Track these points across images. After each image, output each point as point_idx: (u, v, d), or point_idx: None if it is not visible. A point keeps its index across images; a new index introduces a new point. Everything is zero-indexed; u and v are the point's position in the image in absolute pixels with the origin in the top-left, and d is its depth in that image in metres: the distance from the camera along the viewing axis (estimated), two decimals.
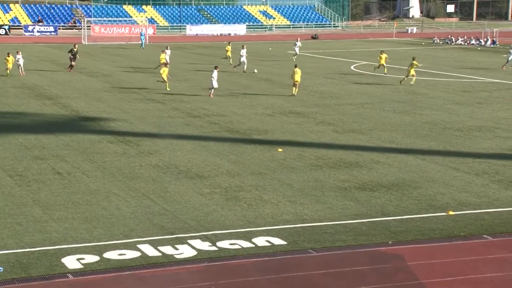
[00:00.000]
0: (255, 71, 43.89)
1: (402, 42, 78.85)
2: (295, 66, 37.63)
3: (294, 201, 18.76)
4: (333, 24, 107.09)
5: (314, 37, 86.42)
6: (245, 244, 15.58)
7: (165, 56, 49.11)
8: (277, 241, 15.77)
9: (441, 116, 31.14)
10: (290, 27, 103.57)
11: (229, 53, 55.10)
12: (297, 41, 59.11)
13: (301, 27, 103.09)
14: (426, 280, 13.53)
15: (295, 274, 13.95)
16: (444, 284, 13.17)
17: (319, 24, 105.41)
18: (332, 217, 17.40)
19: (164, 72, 39.12)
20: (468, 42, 76.01)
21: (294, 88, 37.26)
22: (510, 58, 49.02)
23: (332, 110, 33.19)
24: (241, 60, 48.46)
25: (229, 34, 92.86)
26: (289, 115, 32.09)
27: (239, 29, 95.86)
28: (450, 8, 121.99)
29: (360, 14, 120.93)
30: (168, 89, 38.65)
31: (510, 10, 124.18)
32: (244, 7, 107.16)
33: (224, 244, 15.57)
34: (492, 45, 73.24)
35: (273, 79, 44.74)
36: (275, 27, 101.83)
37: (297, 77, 36.72)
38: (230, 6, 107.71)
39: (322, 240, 15.83)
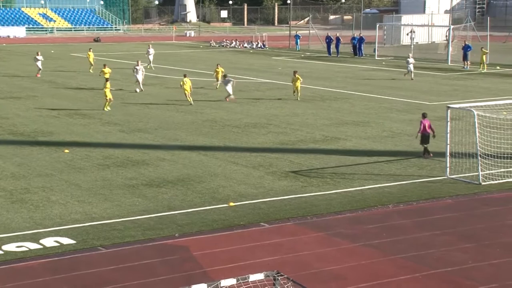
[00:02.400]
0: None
1: (182, 45, 79.82)
2: (184, 76, 34.92)
3: (82, 201, 18.27)
4: (115, 27, 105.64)
5: (96, 40, 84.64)
6: (33, 245, 14.91)
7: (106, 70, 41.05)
8: (66, 240, 15.27)
9: (220, 114, 32.02)
10: (71, 30, 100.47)
11: (91, 59, 50.22)
12: (149, 48, 53.61)
13: (83, 30, 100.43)
14: (210, 268, 13.86)
15: (85, 272, 13.62)
16: (226, 270, 13.57)
17: (100, 28, 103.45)
18: (121, 214, 17.21)
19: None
20: (241, 45, 78.86)
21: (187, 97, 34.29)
22: (410, 68, 45.72)
23: (118, 111, 32.76)
24: None
25: (8, 36, 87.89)
26: (74, 116, 31.15)
27: (19, 31, 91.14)
28: (224, 13, 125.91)
29: (141, 18, 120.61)
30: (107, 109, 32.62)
31: (276, 16, 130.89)
32: (23, 9, 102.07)
33: (11, 247, 14.78)
34: (261, 48, 76.64)
35: (58, 81, 43.16)
36: (56, 30, 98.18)
37: (187, 87, 34.22)
38: (8, 9, 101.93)
39: (112, 237, 15.60)
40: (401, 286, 13.18)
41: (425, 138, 23.56)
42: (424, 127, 23.47)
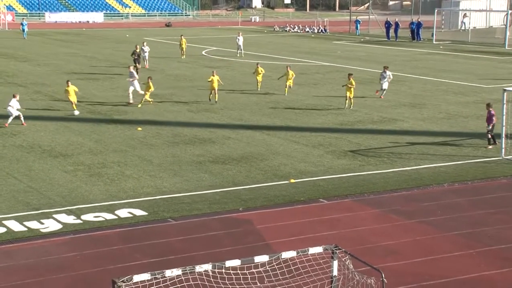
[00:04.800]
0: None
1: (247, 30, 79.73)
2: (213, 72, 30.00)
3: (153, 175, 18.55)
4: (185, 13, 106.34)
5: (167, 25, 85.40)
6: (109, 216, 15.26)
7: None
8: (138, 212, 15.56)
9: (283, 96, 31.91)
10: (145, 16, 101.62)
11: (183, 46, 47.47)
12: (239, 36, 49.79)
13: (156, 15, 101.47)
14: (272, 240, 13.89)
15: (156, 242, 13.86)
16: (287, 243, 13.58)
17: (172, 13, 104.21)
18: (189, 189, 17.40)
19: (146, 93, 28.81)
20: (303, 30, 78.19)
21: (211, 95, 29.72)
22: (384, 85, 31.56)
23: (187, 92, 33.05)
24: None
25: (88, 21, 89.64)
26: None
27: (97, 17, 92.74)
28: (287, 0, 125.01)
29: (209, 4, 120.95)
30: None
31: (337, 2, 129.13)
32: None
33: (89, 217, 15.16)
34: (323, 33, 75.83)
35: (132, 63, 43.75)
36: (131, 15, 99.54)
37: (215, 84, 29.27)
38: None
39: (180, 209, 15.81)
40: (455, 262, 12.92)
41: (493, 127, 21.85)
42: (492, 116, 21.76)
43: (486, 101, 25.31)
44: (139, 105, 28.43)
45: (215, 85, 29.22)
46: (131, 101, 29.05)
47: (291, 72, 32.07)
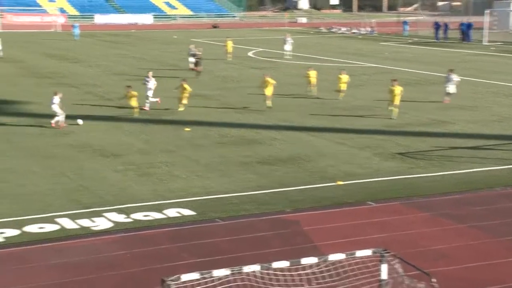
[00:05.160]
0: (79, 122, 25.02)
1: (293, 31, 79.57)
2: (264, 76, 29.06)
3: (201, 176, 18.67)
4: (232, 14, 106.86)
5: (215, 26, 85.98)
6: (157, 215, 15.41)
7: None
8: (186, 212, 15.67)
9: (329, 97, 31.70)
10: (192, 17, 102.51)
11: (229, 49, 47.36)
12: (287, 38, 49.19)
13: (203, 17, 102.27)
14: (319, 242, 13.81)
15: (204, 241, 13.93)
16: (335, 245, 13.46)
17: (218, 15, 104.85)
18: (237, 189, 17.44)
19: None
20: (350, 31, 77.66)
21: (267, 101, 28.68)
22: (451, 89, 30.35)
23: (233, 93, 33.19)
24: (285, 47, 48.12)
25: (136, 23, 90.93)
26: (195, 97, 31.77)
27: (146, 18, 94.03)
28: (334, 0, 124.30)
29: (256, 6, 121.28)
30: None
31: (385, 3, 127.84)
32: None
33: (138, 216, 15.34)
34: (370, 34, 75.18)
35: (179, 64, 44.23)
36: (179, 17, 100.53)
37: (268, 90, 28.28)
38: None
39: (228, 210, 15.86)
40: (509, 267, 12.60)
41: None
42: None
43: None
44: (180, 109, 27.95)
45: (269, 90, 28.18)
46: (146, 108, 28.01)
47: (345, 77, 31.19)
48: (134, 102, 26.68)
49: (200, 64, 38.55)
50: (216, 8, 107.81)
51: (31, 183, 17.66)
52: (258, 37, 69.10)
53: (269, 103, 28.34)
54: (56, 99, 24.37)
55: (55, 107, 24.38)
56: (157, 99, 28.32)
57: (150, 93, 28.23)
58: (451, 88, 29.71)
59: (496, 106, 29.61)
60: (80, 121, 24.88)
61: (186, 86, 27.91)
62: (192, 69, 38.05)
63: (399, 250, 12.57)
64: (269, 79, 28.53)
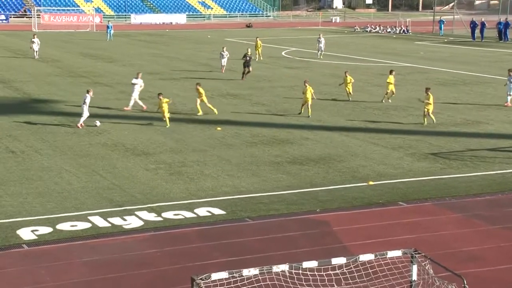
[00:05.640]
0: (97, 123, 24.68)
1: (327, 31, 79.32)
2: (305, 82, 27.30)
3: (232, 175, 18.74)
4: (266, 14, 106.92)
5: (248, 26, 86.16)
6: (188, 214, 15.52)
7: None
8: (217, 211, 15.75)
9: (362, 97, 31.54)
10: (226, 17, 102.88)
11: (259, 49, 46.67)
12: (320, 37, 48.65)
13: (237, 16, 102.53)
14: (349, 243, 13.75)
15: (234, 241, 13.98)
16: (365, 246, 13.40)
17: (252, 14, 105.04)
18: (267, 189, 17.47)
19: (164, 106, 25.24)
20: (384, 30, 77.05)
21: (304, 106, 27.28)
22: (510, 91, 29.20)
23: (266, 92, 33.22)
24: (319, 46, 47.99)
25: (171, 23, 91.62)
26: (227, 97, 31.97)
27: (180, 18, 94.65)
28: (369, 0, 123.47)
29: (290, 5, 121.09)
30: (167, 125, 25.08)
31: (420, 2, 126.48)
32: None
33: (169, 214, 15.47)
34: (405, 33, 74.48)
35: (212, 64, 44.45)
36: (213, 17, 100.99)
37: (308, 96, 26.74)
38: None
39: (258, 209, 15.89)
40: None
41: None
42: None
43: None
44: (199, 113, 26.65)
45: (309, 97, 26.55)
46: (143, 107, 27.67)
47: (349, 78, 30.33)
48: (165, 111, 24.92)
49: (250, 65, 37.35)
50: (250, 7, 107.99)
51: (65, 181, 17.95)
52: (292, 37, 69.01)
53: (309, 111, 26.83)
54: (88, 98, 24.54)
55: (85, 107, 24.45)
56: (144, 106, 27.65)
57: (135, 94, 27.34)
58: None
59: None
60: (97, 123, 24.65)
61: (199, 89, 26.81)
62: (243, 74, 36.90)
63: (429, 251, 12.46)
64: (309, 87, 26.76)
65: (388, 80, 29.81)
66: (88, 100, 24.61)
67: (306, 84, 26.84)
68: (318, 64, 44.59)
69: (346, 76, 30.40)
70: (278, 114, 27.61)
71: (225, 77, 37.52)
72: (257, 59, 45.42)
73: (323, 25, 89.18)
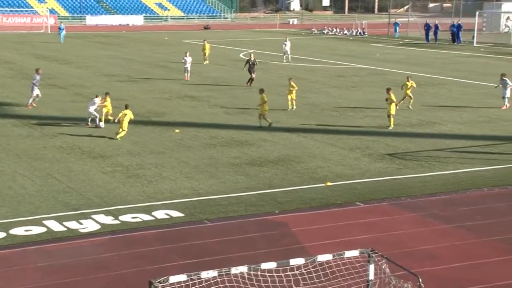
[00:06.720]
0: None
1: (285, 32, 79.76)
2: (290, 80, 28.47)
3: (190, 177, 18.68)
4: (223, 15, 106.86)
5: (206, 28, 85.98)
6: (146, 217, 15.41)
7: None
8: (175, 213, 15.68)
9: (320, 98, 31.81)
10: (184, 18, 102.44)
11: (206, 52, 45.52)
12: (286, 40, 47.81)
13: (194, 18, 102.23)
14: (307, 243, 13.85)
15: (192, 243, 13.94)
16: (323, 246, 13.52)
17: (210, 16, 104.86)
18: (225, 191, 17.47)
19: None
20: (341, 32, 77.84)
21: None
22: (507, 93, 29.30)
23: (224, 94, 33.22)
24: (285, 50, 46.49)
25: (128, 24, 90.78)
26: (185, 98, 31.85)
27: (137, 20, 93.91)
28: (326, 2, 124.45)
29: (247, 7, 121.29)
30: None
31: (376, 5, 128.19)
32: None
33: (126, 217, 15.33)
34: (361, 35, 75.37)
35: (170, 66, 44.24)
36: (170, 18, 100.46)
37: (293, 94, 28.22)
38: None
39: (216, 211, 15.88)
40: (495, 267, 12.69)
41: None
42: None
43: None
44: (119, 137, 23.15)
45: (293, 93, 28.03)
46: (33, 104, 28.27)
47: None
48: (125, 124, 23.14)
49: (255, 71, 35.62)
50: (207, 9, 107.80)
51: (18, 185, 17.62)
52: (250, 39, 69.15)
53: (292, 104, 28.35)
54: (97, 101, 24.51)
55: (92, 109, 24.41)
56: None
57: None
58: (508, 92, 29.03)
59: (485, 107, 29.77)
60: (102, 124, 24.49)
61: (108, 99, 25.10)
62: (249, 80, 35.35)
63: (386, 250, 12.64)
64: (293, 83, 27.92)
65: (405, 86, 28.82)
66: (95, 103, 24.55)
67: (291, 82, 28.09)
68: (275, 66, 44.77)
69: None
70: (236, 116, 27.63)
71: (183, 79, 37.34)
72: (204, 63, 44.44)
73: (281, 27, 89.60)
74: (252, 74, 35.36)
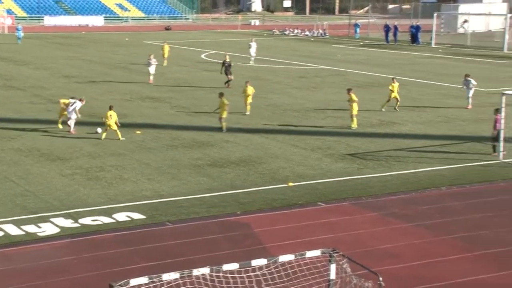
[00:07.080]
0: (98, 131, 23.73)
1: (246, 34, 79.84)
2: (246, 83, 28.27)
3: (152, 179, 18.56)
4: (184, 16, 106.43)
5: (167, 29, 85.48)
6: (106, 219, 15.26)
7: None
8: (136, 215, 15.57)
9: (282, 99, 31.93)
10: (144, 19, 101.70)
11: (165, 54, 44.64)
12: (252, 42, 47.65)
13: (155, 19, 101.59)
14: (269, 244, 13.90)
15: (154, 245, 13.86)
16: (285, 246, 13.58)
17: (171, 17, 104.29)
18: (187, 192, 17.41)
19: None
20: (302, 33, 78.25)
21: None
22: (470, 93, 29.82)
23: (185, 95, 33.08)
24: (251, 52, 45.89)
25: (87, 25, 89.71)
26: (146, 100, 31.63)
27: (97, 20, 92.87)
28: (287, 3, 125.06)
29: (209, 8, 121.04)
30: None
31: (337, 6, 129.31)
32: (101, 0, 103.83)
33: (86, 220, 15.16)
34: (322, 36, 75.88)
35: (130, 67, 43.87)
36: (131, 19, 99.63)
37: (249, 98, 27.68)
38: None
39: (178, 213, 15.82)
40: (453, 265, 12.93)
41: (498, 135, 20.75)
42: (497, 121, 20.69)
43: (485, 104, 25.33)
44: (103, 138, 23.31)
45: (249, 97, 27.53)
46: None
47: (250, 88, 27.95)
48: (113, 125, 23.05)
49: (231, 72, 35.56)
50: (168, 10, 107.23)
51: None
52: (211, 39, 69.01)
53: (248, 109, 27.69)
54: (78, 104, 23.95)
55: (73, 114, 23.76)
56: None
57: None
58: (471, 92, 29.44)
59: (444, 107, 30.28)
60: (99, 130, 23.67)
61: (64, 101, 24.42)
62: (227, 81, 35.11)
63: (347, 250, 12.76)
64: (250, 87, 27.63)
65: (390, 88, 29.09)
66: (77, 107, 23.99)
67: (248, 84, 27.87)
68: (237, 67, 44.74)
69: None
70: (198, 117, 27.55)
71: (145, 80, 37.07)
72: (163, 64, 43.44)
73: (242, 28, 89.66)
74: (229, 76, 35.29)
